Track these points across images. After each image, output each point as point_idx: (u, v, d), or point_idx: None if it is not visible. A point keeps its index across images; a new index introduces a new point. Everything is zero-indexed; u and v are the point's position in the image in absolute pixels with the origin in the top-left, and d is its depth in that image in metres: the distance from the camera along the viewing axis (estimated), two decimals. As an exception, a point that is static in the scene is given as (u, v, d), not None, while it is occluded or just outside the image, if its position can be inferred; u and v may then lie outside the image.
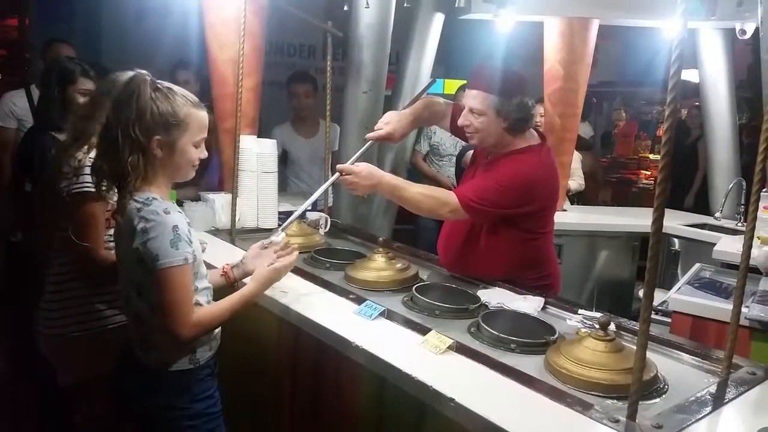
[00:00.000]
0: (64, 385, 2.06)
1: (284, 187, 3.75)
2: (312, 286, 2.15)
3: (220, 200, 2.91)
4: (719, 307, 2.33)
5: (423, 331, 1.76)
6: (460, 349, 1.65)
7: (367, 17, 3.58)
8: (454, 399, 1.41)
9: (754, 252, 2.44)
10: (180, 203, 2.75)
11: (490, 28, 4.03)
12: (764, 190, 2.41)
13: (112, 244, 1.85)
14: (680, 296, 2.50)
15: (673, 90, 1.23)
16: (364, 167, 2.16)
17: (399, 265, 2.24)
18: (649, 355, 1.42)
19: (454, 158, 4.26)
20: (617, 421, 1.33)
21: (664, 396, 1.51)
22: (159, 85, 1.53)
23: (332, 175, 2.27)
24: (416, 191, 2.20)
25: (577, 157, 4.45)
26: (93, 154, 1.74)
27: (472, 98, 2.16)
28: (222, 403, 1.70)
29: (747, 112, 6.62)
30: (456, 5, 3.58)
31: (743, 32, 3.56)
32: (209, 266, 1.80)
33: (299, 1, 3.11)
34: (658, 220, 1.25)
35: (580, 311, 1.96)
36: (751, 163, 1.58)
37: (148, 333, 1.58)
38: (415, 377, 1.51)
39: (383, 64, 3.73)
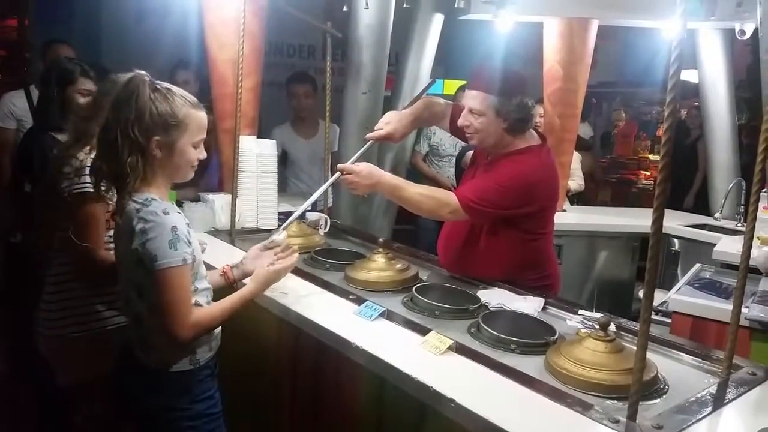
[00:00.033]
0: (64, 385, 2.05)
1: (284, 187, 3.74)
2: (312, 287, 2.14)
3: (219, 201, 2.91)
4: (719, 308, 2.33)
5: (423, 331, 1.76)
6: (460, 349, 1.65)
7: (366, 18, 3.58)
8: (454, 399, 1.41)
9: (754, 252, 2.44)
10: (179, 204, 2.75)
11: (490, 29, 4.02)
12: (764, 190, 2.41)
13: (112, 245, 1.85)
14: (680, 297, 2.50)
15: (672, 90, 1.23)
16: (364, 167, 2.17)
17: (399, 266, 2.24)
18: (649, 355, 1.41)
19: (454, 159, 4.26)
20: (617, 421, 1.33)
21: (664, 396, 1.51)
22: (158, 86, 1.53)
23: (332, 175, 2.28)
24: (416, 191, 2.20)
25: (576, 158, 4.45)
26: (94, 154, 1.74)
27: (472, 99, 2.16)
28: (222, 404, 1.70)
29: (746, 113, 6.61)
30: (455, 6, 3.58)
31: (742, 32, 3.55)
32: (209, 267, 1.80)
33: (299, 1, 3.10)
34: (657, 221, 1.25)
35: (580, 312, 1.96)
36: (751, 163, 1.58)
37: (148, 334, 1.58)
38: (415, 378, 1.51)
39: (383, 64, 3.73)
